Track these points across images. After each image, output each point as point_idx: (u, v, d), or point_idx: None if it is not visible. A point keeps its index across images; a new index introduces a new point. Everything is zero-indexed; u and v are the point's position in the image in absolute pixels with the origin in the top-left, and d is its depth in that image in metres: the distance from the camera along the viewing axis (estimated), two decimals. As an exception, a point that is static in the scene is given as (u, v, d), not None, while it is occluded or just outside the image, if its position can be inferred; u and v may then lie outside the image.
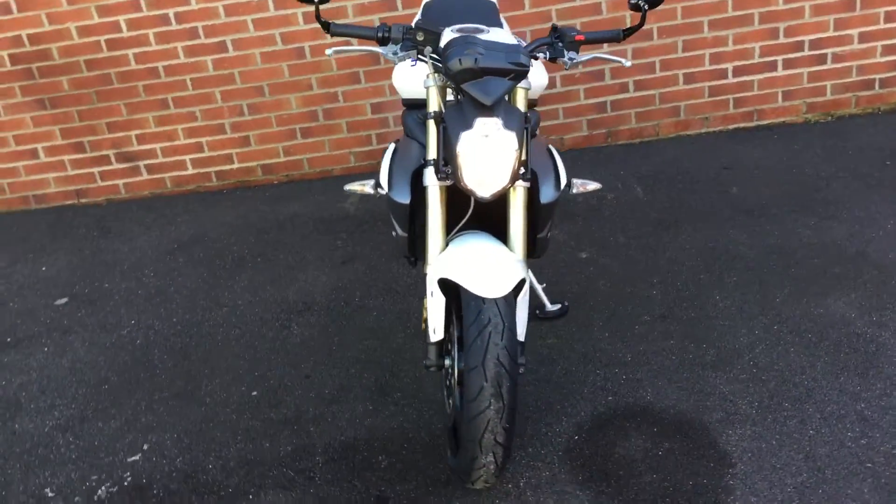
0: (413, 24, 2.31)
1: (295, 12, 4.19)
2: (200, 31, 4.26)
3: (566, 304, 3.08)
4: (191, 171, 4.57)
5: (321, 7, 2.32)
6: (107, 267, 3.90)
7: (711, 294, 3.07)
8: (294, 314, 3.29)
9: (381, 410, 2.68)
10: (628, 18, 4.26)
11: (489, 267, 2.09)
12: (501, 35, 2.25)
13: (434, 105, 2.26)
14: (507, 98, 2.15)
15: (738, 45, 4.36)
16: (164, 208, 4.47)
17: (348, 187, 2.50)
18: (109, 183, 4.62)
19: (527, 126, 2.16)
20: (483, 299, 2.04)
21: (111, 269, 3.87)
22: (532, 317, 3.01)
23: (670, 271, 3.25)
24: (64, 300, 3.65)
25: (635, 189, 3.99)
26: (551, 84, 4.37)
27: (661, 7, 4.20)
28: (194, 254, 3.91)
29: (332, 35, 2.33)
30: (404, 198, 2.32)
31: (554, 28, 2.30)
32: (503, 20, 3.19)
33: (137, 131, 4.48)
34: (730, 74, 4.43)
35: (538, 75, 2.58)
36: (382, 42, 2.29)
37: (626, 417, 2.51)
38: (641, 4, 2.32)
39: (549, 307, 3.04)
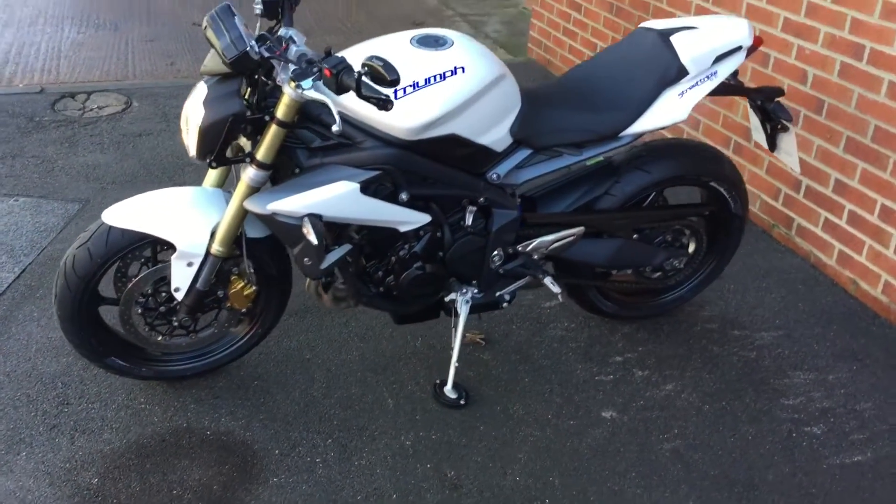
0: None
1: None
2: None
3: (463, 401, 2.54)
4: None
5: None
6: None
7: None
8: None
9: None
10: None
11: (133, 204, 2.24)
12: (428, 60, 2.13)
13: None
14: (253, 87, 2.08)
15: None
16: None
17: None
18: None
19: (231, 119, 2.04)
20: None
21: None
22: (433, 388, 2.61)
23: (623, 460, 2.37)
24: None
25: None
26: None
27: None
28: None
29: None
30: None
31: (327, 52, 1.96)
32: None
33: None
34: None
35: (409, 114, 2.12)
36: None
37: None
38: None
39: (448, 391, 2.56)
